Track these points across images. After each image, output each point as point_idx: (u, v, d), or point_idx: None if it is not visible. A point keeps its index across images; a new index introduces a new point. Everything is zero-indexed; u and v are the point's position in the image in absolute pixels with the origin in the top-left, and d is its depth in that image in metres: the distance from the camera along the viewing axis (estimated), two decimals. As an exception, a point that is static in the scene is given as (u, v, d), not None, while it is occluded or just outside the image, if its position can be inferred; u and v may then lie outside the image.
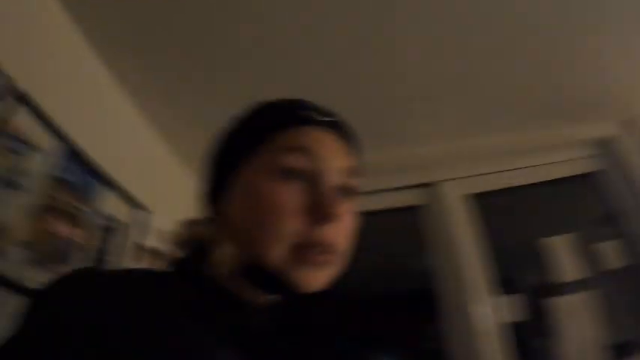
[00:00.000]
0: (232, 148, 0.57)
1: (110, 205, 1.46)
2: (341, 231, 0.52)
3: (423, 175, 1.86)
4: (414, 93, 1.59)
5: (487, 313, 1.57)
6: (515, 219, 1.77)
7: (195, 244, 0.55)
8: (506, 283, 1.63)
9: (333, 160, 0.54)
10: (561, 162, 1.73)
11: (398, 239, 1.97)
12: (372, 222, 1.90)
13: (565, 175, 1.70)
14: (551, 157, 1.73)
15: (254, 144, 0.55)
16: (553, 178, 1.71)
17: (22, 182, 1.17)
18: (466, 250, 1.67)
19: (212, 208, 0.58)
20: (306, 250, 0.48)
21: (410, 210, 1.86)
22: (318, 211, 0.49)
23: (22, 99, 1.14)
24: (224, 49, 1.40)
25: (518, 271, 1.74)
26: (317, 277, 0.50)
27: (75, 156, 1.32)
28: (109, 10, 1.30)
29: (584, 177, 1.70)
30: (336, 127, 0.58)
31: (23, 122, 1.16)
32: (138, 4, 1.29)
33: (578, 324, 1.49)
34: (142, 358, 0.39)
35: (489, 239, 1.70)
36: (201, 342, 0.43)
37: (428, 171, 1.85)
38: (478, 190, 1.77)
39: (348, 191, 0.55)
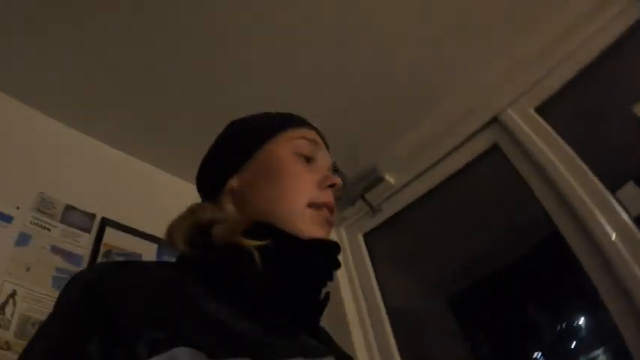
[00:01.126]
0: (254, 136, 0.72)
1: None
2: (334, 198, 0.70)
3: (481, 115, 1.70)
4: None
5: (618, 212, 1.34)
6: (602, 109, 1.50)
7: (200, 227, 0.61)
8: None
9: (325, 150, 0.75)
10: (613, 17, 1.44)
11: (495, 193, 1.81)
12: (459, 185, 1.81)
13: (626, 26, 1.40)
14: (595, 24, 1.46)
15: (272, 135, 0.71)
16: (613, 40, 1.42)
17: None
18: (567, 165, 1.47)
19: (220, 187, 0.70)
20: (318, 208, 0.65)
21: (490, 155, 1.72)
22: (325, 181, 0.68)
23: (107, 223, 1.40)
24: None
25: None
26: (323, 234, 0.65)
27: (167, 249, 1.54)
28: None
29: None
30: (319, 131, 0.78)
31: (115, 238, 1.42)
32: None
33: None
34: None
35: (588, 140, 1.47)
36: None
37: (484, 108, 1.69)
38: (543, 99, 1.57)
39: (334, 171, 0.76)
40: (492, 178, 1.73)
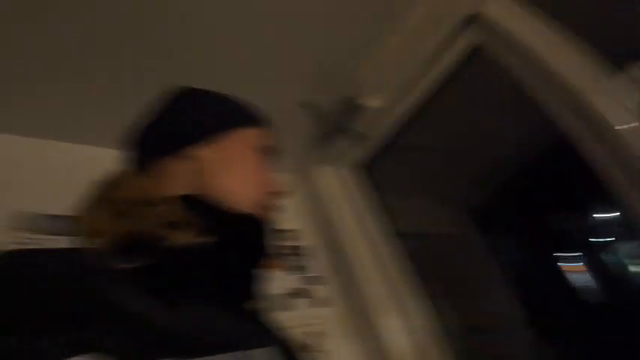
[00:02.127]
0: (237, 116, 0.73)
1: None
2: None
3: (452, 15, 1.45)
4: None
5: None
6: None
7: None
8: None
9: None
10: None
11: (491, 100, 1.61)
12: (449, 98, 1.62)
13: None
14: None
15: (254, 124, 0.74)
16: None
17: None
18: (563, 52, 1.24)
19: (173, 151, 0.67)
20: (268, 205, 0.69)
21: (474, 58, 1.48)
22: (276, 186, 0.72)
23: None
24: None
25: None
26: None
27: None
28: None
29: None
30: None
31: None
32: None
33: None
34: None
35: (586, 16, 1.22)
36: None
37: (454, 8, 1.44)
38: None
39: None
40: (483, 83, 1.53)
